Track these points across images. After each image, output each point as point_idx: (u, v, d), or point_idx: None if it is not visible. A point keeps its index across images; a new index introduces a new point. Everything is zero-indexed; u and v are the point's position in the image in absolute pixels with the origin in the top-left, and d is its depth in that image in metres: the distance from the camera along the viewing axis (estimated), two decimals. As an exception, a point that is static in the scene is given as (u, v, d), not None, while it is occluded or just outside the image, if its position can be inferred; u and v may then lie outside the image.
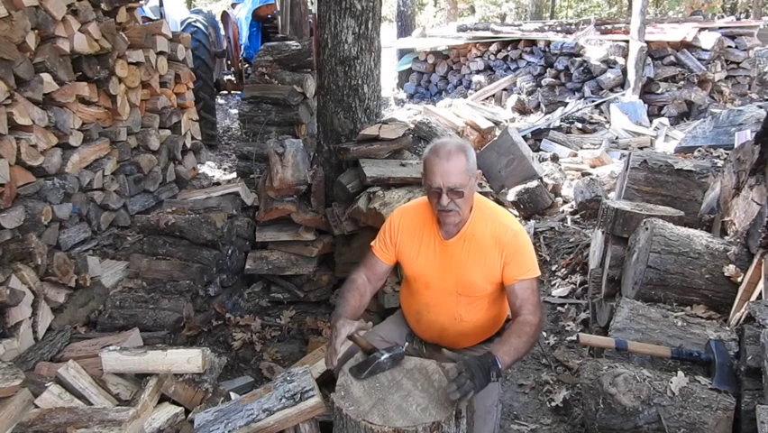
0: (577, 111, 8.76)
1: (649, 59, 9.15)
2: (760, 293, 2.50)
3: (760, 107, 6.38)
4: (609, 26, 11.07)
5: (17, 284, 2.91)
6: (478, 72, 11.52)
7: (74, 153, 4.08)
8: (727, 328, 2.58)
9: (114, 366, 2.33)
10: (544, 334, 3.61)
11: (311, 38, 6.89)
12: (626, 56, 9.24)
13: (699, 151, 6.02)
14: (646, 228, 3.00)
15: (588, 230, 4.61)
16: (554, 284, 4.16)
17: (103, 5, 4.40)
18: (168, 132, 5.45)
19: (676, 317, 2.67)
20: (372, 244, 2.30)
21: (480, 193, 2.28)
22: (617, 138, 7.59)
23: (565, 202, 5.50)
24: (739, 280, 2.73)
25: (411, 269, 2.22)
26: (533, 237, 4.70)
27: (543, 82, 10.07)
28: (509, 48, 11.07)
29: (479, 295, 2.15)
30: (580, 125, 8.44)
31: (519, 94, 10.30)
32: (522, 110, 10.05)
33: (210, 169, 7.16)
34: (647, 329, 2.61)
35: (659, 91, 9.18)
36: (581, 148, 7.31)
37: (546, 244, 4.65)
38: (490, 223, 2.11)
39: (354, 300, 2.14)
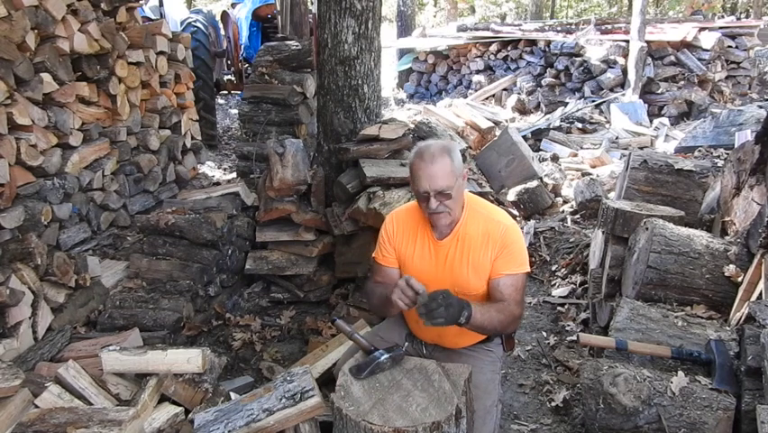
0: (577, 111, 8.76)
1: (649, 59, 9.15)
2: (760, 293, 2.50)
3: (760, 107, 6.38)
4: (609, 26, 11.08)
5: (17, 284, 2.91)
6: (478, 72, 11.52)
7: (74, 153, 4.08)
8: (728, 328, 2.58)
9: (114, 366, 2.33)
10: (544, 334, 3.62)
11: (311, 38, 6.89)
12: (626, 56, 9.24)
13: (700, 151, 6.02)
14: (646, 228, 2.99)
15: (588, 230, 4.61)
16: (554, 284, 4.16)
17: (103, 5, 4.40)
18: (168, 132, 5.44)
19: (676, 317, 2.67)
20: (374, 255, 2.29)
21: (480, 193, 2.28)
22: (617, 138, 7.59)
23: (565, 202, 5.50)
24: (739, 280, 2.73)
25: (408, 271, 2.21)
26: (533, 237, 4.70)
27: (543, 82, 10.07)
28: (509, 48, 11.07)
29: (475, 294, 2.14)
30: (580, 125, 8.44)
31: (519, 94, 10.30)
32: (522, 110, 10.05)
33: (210, 169, 7.15)
34: (647, 329, 2.61)
35: (659, 91, 9.18)
36: (581, 148, 7.31)
37: (546, 244, 4.65)
38: (483, 221, 2.12)
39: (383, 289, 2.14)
